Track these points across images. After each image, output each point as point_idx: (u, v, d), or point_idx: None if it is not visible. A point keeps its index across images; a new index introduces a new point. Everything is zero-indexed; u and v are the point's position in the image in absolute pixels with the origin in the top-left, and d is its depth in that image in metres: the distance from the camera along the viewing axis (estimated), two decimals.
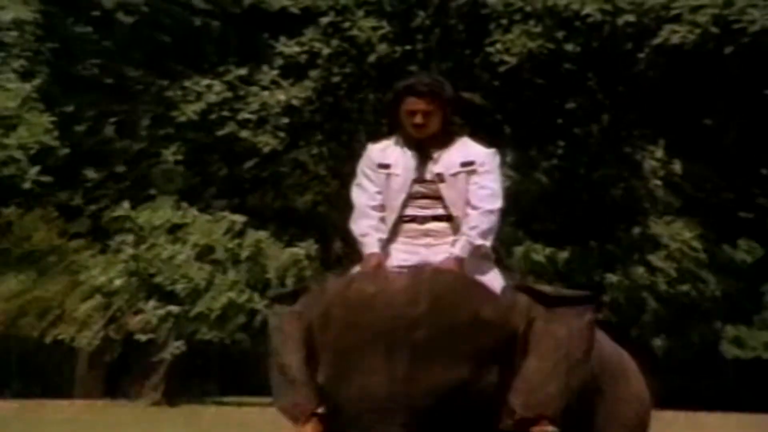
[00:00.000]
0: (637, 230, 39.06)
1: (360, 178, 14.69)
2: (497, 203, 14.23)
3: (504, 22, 36.15)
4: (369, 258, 14.25)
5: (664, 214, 38.63)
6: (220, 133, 38.14)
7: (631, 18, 36.41)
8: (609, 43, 37.03)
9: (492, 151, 14.50)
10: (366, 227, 14.50)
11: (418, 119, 14.30)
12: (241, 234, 38.89)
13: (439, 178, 14.27)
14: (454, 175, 14.27)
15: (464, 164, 14.34)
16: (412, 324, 13.41)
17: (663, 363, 42.35)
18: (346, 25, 36.90)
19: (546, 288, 14.71)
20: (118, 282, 38.08)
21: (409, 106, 14.34)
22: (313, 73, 37.57)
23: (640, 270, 38.68)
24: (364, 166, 14.72)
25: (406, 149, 14.47)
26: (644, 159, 38.14)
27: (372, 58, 36.20)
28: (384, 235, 14.41)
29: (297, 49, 37.48)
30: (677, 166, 38.73)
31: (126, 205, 38.73)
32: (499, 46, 35.97)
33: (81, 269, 38.71)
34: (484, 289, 13.86)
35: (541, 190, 37.04)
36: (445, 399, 13.50)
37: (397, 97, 14.59)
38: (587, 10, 35.92)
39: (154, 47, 39.53)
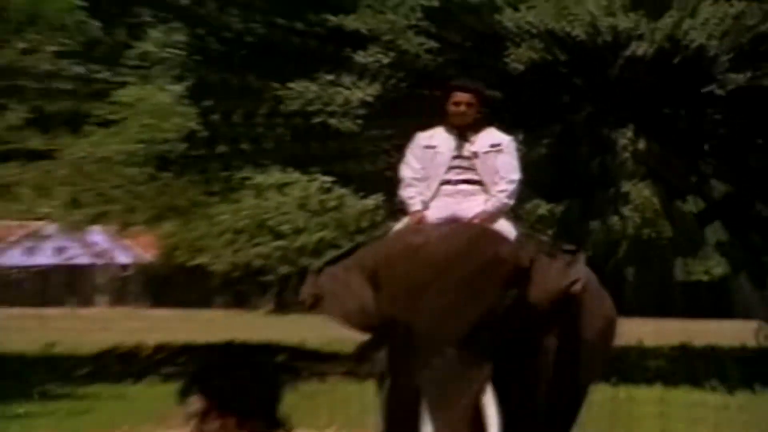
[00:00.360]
0: (612, 190, 38.39)
1: (407, 158, 15.57)
2: (517, 175, 15.45)
3: (517, 39, 35.92)
4: (414, 215, 15.22)
5: (632, 178, 38.10)
6: (315, 120, 37.75)
7: (608, 37, 36.03)
8: (592, 55, 36.66)
9: (511, 137, 15.93)
10: (412, 193, 15.35)
11: (462, 108, 15.45)
12: (329, 191, 38.52)
13: (474, 155, 15.30)
14: (486, 153, 15.30)
15: (493, 146, 15.42)
16: (450, 266, 14.04)
17: (632, 286, 43.26)
18: (400, 41, 36.58)
19: (544, 238, 16.69)
20: (241, 224, 38.14)
21: (456, 98, 15.57)
22: (380, 77, 37.33)
23: (615, 219, 38.32)
24: (411, 149, 15.67)
25: (449, 134, 15.42)
26: (617, 139, 37.60)
27: (419, 65, 36.09)
28: (425, 198, 15.19)
29: (369, 59, 37.15)
30: (642, 144, 38.20)
31: (248, 170, 38.66)
32: (513, 56, 35.75)
33: (215, 216, 38.52)
34: (501, 236, 14.80)
35: (542, 160, 36.84)
36: (478, 322, 14.02)
37: (448, 91, 15.81)
38: (576, 32, 35.64)
39: (267, 59, 39.09)
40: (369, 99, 37.18)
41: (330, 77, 37.60)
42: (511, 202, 15.45)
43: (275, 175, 38.46)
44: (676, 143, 38.70)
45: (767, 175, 38.56)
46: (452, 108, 15.48)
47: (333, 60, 37.77)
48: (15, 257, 68.78)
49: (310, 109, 37.79)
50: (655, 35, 36.18)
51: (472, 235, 14.62)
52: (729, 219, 39.62)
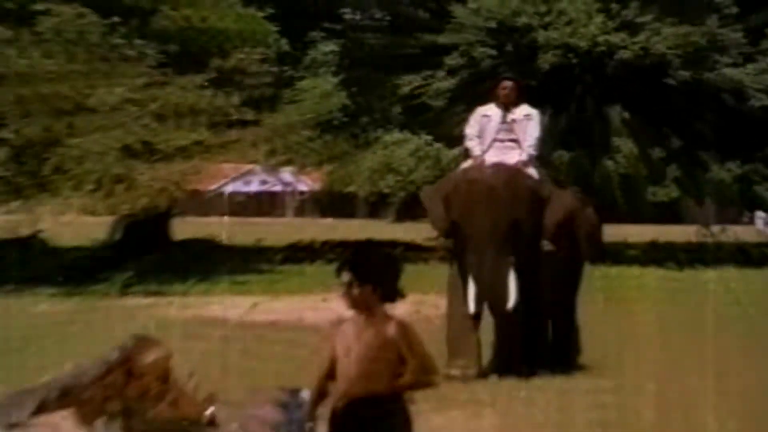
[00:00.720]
0: (607, 145, 38.92)
1: (471, 122, 16.35)
2: (539, 134, 16.20)
3: (545, 49, 36.16)
4: (475, 159, 16.13)
5: (620, 137, 38.63)
6: (415, 102, 38.13)
7: (604, 48, 36.27)
8: (593, 59, 36.62)
9: (538, 110, 16.52)
10: (472, 145, 16.20)
11: (506, 91, 16.35)
12: (430, 145, 39.04)
13: (513, 121, 16.13)
14: (520, 120, 16.15)
15: (526, 115, 16.27)
16: (496, 192, 15.39)
17: (620, 204, 42.13)
18: (471, 50, 36.94)
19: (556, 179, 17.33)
20: (375, 166, 38.82)
21: (503, 85, 16.45)
22: (459, 73, 37.49)
23: (609, 162, 38.98)
24: (473, 117, 16.41)
25: (497, 108, 16.23)
26: (610, 112, 38.18)
27: (484, 66, 36.05)
28: (483, 148, 16.00)
29: (452, 62, 37.34)
30: (626, 115, 38.87)
31: (379, 132, 39.57)
32: (542, 60, 36.01)
33: (359, 161, 39.15)
34: (528, 175, 15.93)
35: (563, 127, 37.19)
36: (508, 228, 15.34)
37: (498, 81, 16.73)
38: (583, 44, 35.97)
39: (390, 61, 38.95)
40: (452, 86, 37.23)
41: (429, 72, 37.71)
42: (536, 153, 16.20)
43: (396, 135, 38.80)
44: (648, 114, 38.65)
45: (705, 134, 38.55)
46: (500, 91, 16.34)
47: (431, 62, 37.68)
48: (237, 186, 70.33)
49: (417, 92, 37.67)
50: (634, 47, 36.41)
51: (509, 174, 15.69)
52: (681, 162, 39.46)
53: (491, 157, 15.90)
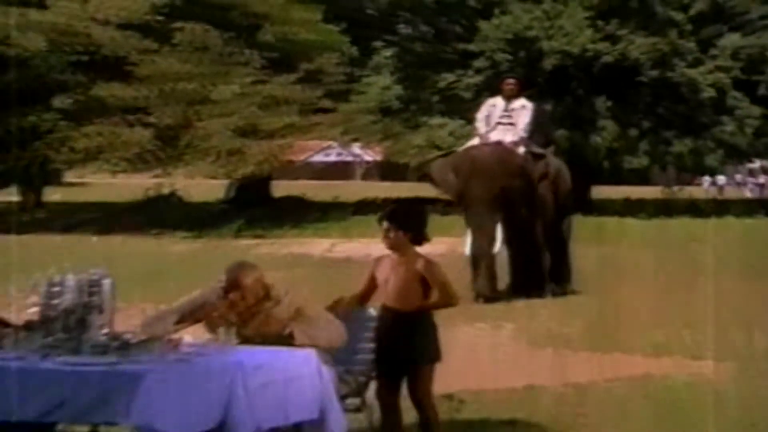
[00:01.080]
0: (594, 125, 37.73)
1: (481, 109, 16.12)
2: (529, 120, 15.71)
3: (548, 54, 36.01)
4: (480, 137, 15.82)
5: (604, 119, 37.00)
6: (451, 94, 37.65)
7: (592, 53, 36.06)
8: (583, 62, 36.35)
9: (532, 103, 16.20)
10: (480, 126, 15.86)
11: (510, 87, 16.00)
12: (463, 127, 35.28)
13: (513, 110, 15.79)
14: (517, 109, 15.76)
15: (522, 106, 15.82)
16: (490, 167, 15.12)
17: (604, 169, 41.74)
18: (494, 56, 36.54)
19: (538, 150, 16.13)
20: (422, 144, 36.72)
21: (506, 82, 16.25)
22: (484, 72, 36.73)
23: (597, 138, 37.29)
24: (483, 105, 16.22)
25: (502, 100, 15.85)
26: (596, 101, 37.28)
27: (502, 67, 35.02)
28: (488, 129, 15.65)
29: (479, 64, 37.03)
30: (609, 104, 37.30)
31: (425, 117, 38.04)
32: (546, 62, 35.88)
33: (410, 140, 37.75)
34: (517, 152, 15.49)
35: (561, 114, 36.50)
36: (504, 195, 15.12)
37: (503, 79, 16.70)
38: (576, 50, 35.78)
39: (433, 63, 38.48)
40: (479, 82, 36.30)
41: (461, 72, 37.09)
42: (526, 134, 15.74)
43: (437, 120, 37.58)
44: (625, 103, 37.84)
45: (667, 117, 38.56)
46: (505, 87, 16.05)
47: (463, 64, 37.30)
48: (320, 157, 69.51)
49: (452, 86, 37.08)
50: (614, 53, 36.20)
51: (502, 152, 15.35)
52: (650, 139, 38.75)
53: (494, 136, 15.56)
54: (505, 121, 15.66)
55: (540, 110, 17.25)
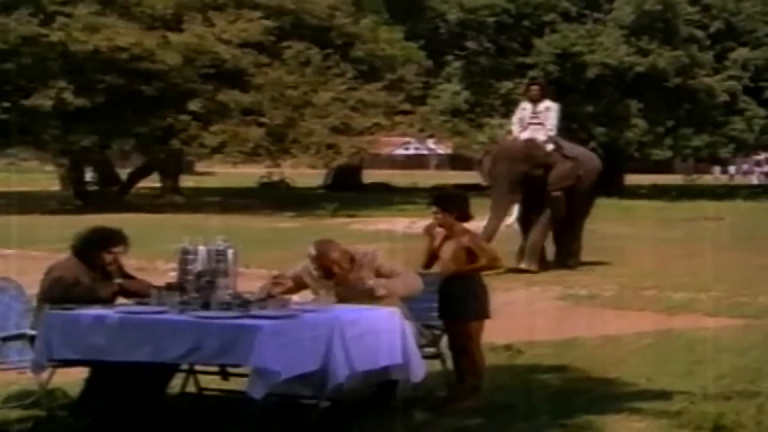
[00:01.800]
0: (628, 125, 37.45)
1: (515, 113, 15.22)
2: (556, 120, 14.67)
3: (592, 65, 35.71)
4: (514, 136, 14.99)
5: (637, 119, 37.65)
6: (510, 99, 35.42)
7: (626, 65, 35.70)
8: (620, 72, 35.94)
9: (557, 104, 14.92)
10: (515, 128, 15.02)
11: (534, 92, 15.06)
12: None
13: (539, 111, 14.76)
14: (543, 111, 14.75)
15: (547, 108, 14.78)
16: (514, 156, 14.45)
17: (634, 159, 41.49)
18: (545, 66, 36.04)
19: (567, 150, 14.97)
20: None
21: (531, 87, 15.51)
22: (539, 81, 36.27)
23: (629, 134, 37.18)
24: (517, 110, 15.29)
25: (529, 102, 14.92)
26: (629, 104, 36.87)
27: (552, 76, 34.54)
28: (521, 129, 14.80)
29: (535, 73, 35.64)
30: (640, 106, 37.05)
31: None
32: (588, 72, 35.59)
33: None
34: (540, 146, 14.58)
35: (595, 112, 36.21)
36: (523, 178, 14.33)
37: (528, 86, 16.18)
38: (613, 63, 35.50)
39: (495, 71, 38.08)
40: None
41: (519, 80, 35.40)
42: (553, 133, 14.79)
43: (497, 120, 35.35)
44: (653, 105, 37.13)
45: (687, 117, 37.61)
46: (530, 91, 15.23)
47: (520, 73, 36.26)
48: (401, 150, 69.42)
49: (511, 93, 35.58)
50: (645, 64, 35.92)
51: (528, 144, 14.54)
52: (673, 134, 38.23)
53: (526, 135, 14.73)
54: (534, 121, 14.82)
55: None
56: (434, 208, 7.07)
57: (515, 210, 14.51)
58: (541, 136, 14.72)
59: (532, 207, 14.63)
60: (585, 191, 15.17)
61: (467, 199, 7.21)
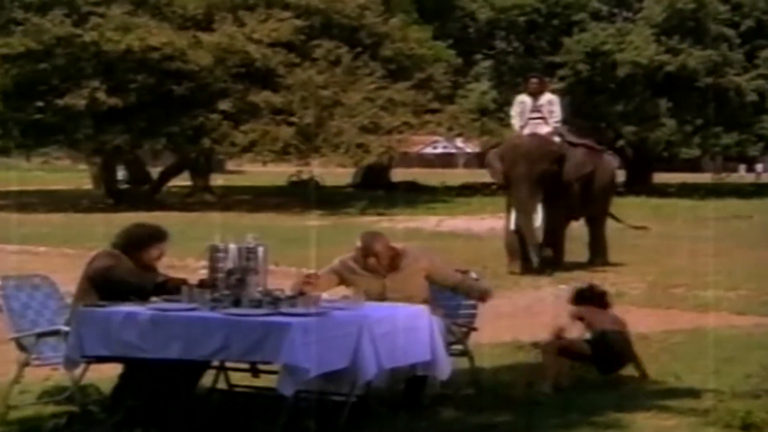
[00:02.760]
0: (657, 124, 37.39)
1: (513, 107, 14.59)
2: (560, 114, 14.18)
3: (622, 64, 35.69)
4: (517, 130, 14.43)
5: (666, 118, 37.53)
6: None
7: (656, 64, 35.71)
8: (650, 70, 35.87)
9: (557, 97, 14.70)
10: (515, 123, 14.48)
11: (534, 85, 14.47)
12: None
13: (541, 105, 14.21)
14: (545, 105, 14.21)
15: (548, 101, 14.26)
16: (530, 152, 13.88)
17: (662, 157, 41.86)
18: (574, 65, 36.13)
19: (573, 139, 14.59)
20: None
21: (531, 80, 14.74)
22: (568, 79, 36.25)
23: (659, 133, 37.05)
24: (514, 103, 14.63)
25: (528, 96, 14.37)
26: (658, 103, 36.81)
27: (582, 75, 34.74)
28: (522, 124, 14.29)
29: (563, 72, 36.29)
30: (670, 105, 37.10)
31: None
32: (618, 71, 35.65)
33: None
34: (553, 141, 14.10)
35: (625, 111, 36.22)
36: (537, 176, 13.81)
37: (528, 78, 15.23)
38: (644, 62, 35.46)
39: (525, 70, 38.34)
40: (562, 87, 33.86)
41: (548, 79, 35.88)
42: (559, 125, 14.35)
43: None
44: (682, 104, 37.10)
45: (717, 116, 36.94)
46: (530, 85, 14.62)
47: (548, 73, 34.01)
48: (429, 149, 69.67)
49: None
50: (676, 63, 35.76)
51: (540, 140, 14.05)
52: (702, 133, 37.87)
53: (528, 131, 14.23)
54: (535, 116, 14.21)
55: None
56: None
57: (539, 211, 14.01)
58: (544, 129, 14.17)
59: (549, 203, 14.15)
60: (601, 187, 14.87)
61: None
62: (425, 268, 6.81)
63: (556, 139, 14.25)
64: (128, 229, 6.58)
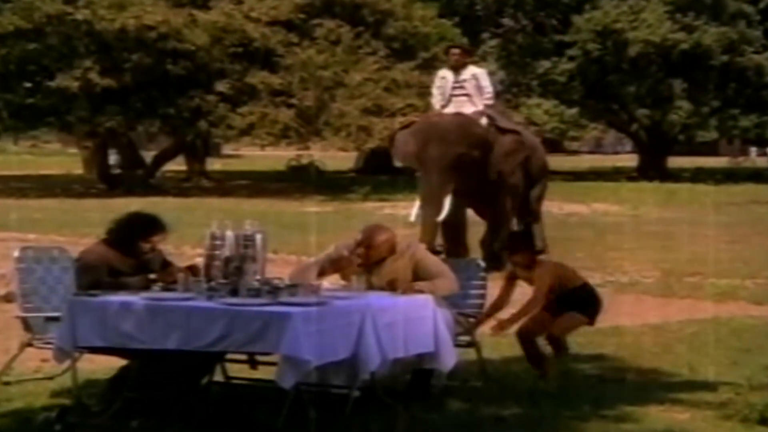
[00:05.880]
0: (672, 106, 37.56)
1: (434, 84, 13.11)
2: (491, 89, 12.86)
3: (634, 42, 35.63)
4: (436, 109, 12.96)
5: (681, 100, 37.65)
6: (547, 78, 37.66)
7: (670, 42, 35.61)
8: (663, 49, 35.76)
9: (484, 70, 13.58)
10: (436, 101, 12.92)
11: (456, 57, 12.86)
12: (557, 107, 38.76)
13: (464, 81, 12.70)
14: (469, 80, 12.70)
15: (473, 75, 12.73)
16: (448, 133, 12.39)
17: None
18: (584, 44, 36.07)
19: (504, 124, 13.09)
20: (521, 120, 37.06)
21: (452, 51, 13.12)
22: (578, 59, 36.61)
23: (674, 116, 37.42)
24: (435, 79, 13.20)
25: (451, 71, 12.81)
26: (672, 84, 36.70)
27: (593, 55, 34.64)
28: (443, 103, 12.75)
29: (573, 52, 36.53)
30: (685, 86, 36.98)
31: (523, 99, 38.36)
32: (630, 50, 35.63)
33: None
34: (477, 122, 12.52)
35: (638, 92, 36.37)
36: (457, 160, 12.31)
37: (448, 49, 13.87)
38: (657, 40, 35.39)
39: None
40: (571, 68, 36.43)
41: (556, 59, 36.83)
42: (491, 102, 12.94)
43: (534, 100, 37.73)
44: (698, 84, 37.03)
45: (735, 97, 37.62)
46: (450, 57, 13.13)
47: (558, 52, 37.01)
48: None
49: (548, 72, 36.96)
50: (690, 41, 35.49)
51: (463, 120, 12.57)
52: (719, 115, 38.14)
53: (450, 110, 12.80)
54: (458, 92, 12.81)
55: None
56: None
57: (447, 204, 12.43)
58: (470, 109, 12.79)
59: (468, 197, 12.92)
60: (536, 173, 13.57)
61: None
62: (409, 266, 6.73)
63: (483, 121, 12.77)
64: (120, 220, 6.54)
